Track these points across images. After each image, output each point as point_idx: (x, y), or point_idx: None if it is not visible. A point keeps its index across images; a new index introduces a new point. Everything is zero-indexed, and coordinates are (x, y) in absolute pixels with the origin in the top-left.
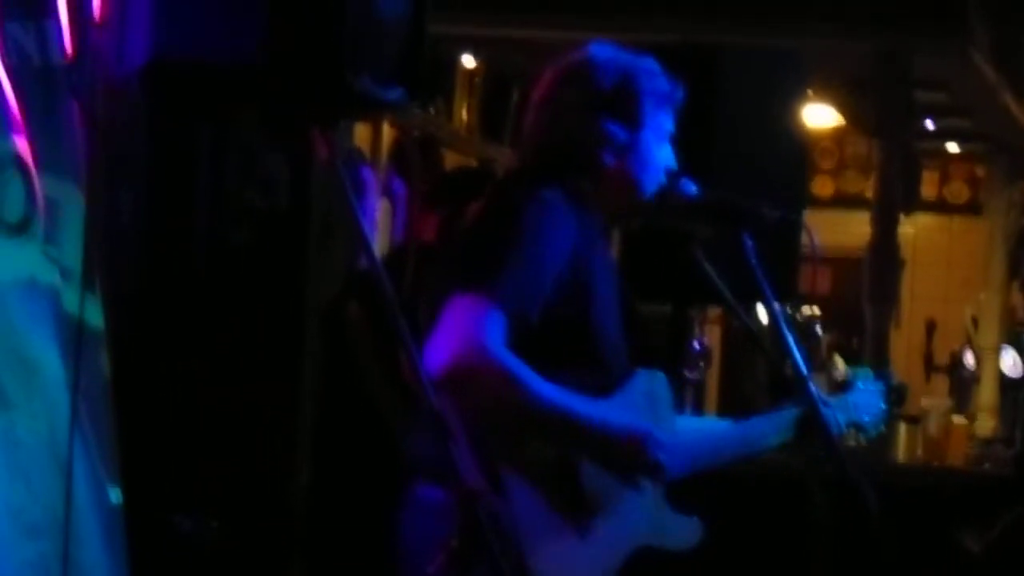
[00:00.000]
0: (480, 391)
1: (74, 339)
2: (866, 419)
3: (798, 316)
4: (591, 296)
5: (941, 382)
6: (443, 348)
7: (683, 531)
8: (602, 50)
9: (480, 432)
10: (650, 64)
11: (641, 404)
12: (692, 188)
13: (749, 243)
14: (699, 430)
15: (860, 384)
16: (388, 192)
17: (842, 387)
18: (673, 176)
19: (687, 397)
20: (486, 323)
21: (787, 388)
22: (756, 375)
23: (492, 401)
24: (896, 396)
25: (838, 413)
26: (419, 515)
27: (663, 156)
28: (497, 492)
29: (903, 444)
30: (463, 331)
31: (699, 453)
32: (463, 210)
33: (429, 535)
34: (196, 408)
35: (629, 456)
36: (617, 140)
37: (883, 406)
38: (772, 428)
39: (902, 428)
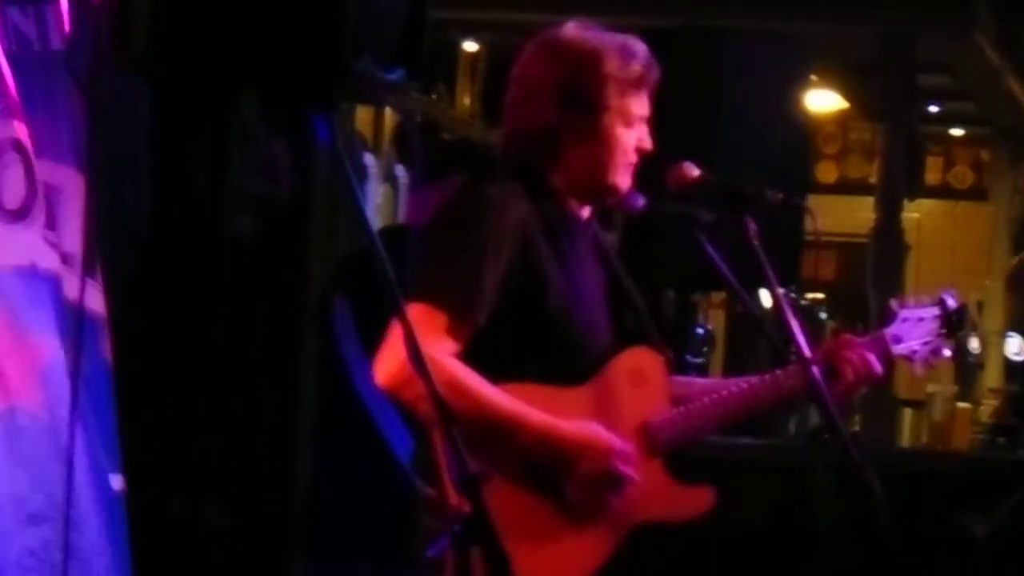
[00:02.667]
0: (421, 399)
1: (74, 325)
2: (916, 350)
3: (802, 301)
4: (546, 285)
5: (946, 367)
6: (388, 357)
7: (689, 502)
8: (571, 29)
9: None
10: (625, 45)
11: (624, 383)
12: (695, 172)
13: (752, 227)
14: (704, 393)
15: (903, 312)
16: (390, 177)
17: (883, 320)
18: (674, 159)
19: None
20: (427, 331)
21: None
22: (759, 360)
23: (431, 410)
24: (957, 319)
25: (869, 351)
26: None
27: (631, 139)
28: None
29: (908, 429)
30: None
31: (706, 417)
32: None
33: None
34: (197, 393)
35: (587, 465)
36: (575, 124)
37: (939, 331)
38: (776, 386)
39: (907, 413)
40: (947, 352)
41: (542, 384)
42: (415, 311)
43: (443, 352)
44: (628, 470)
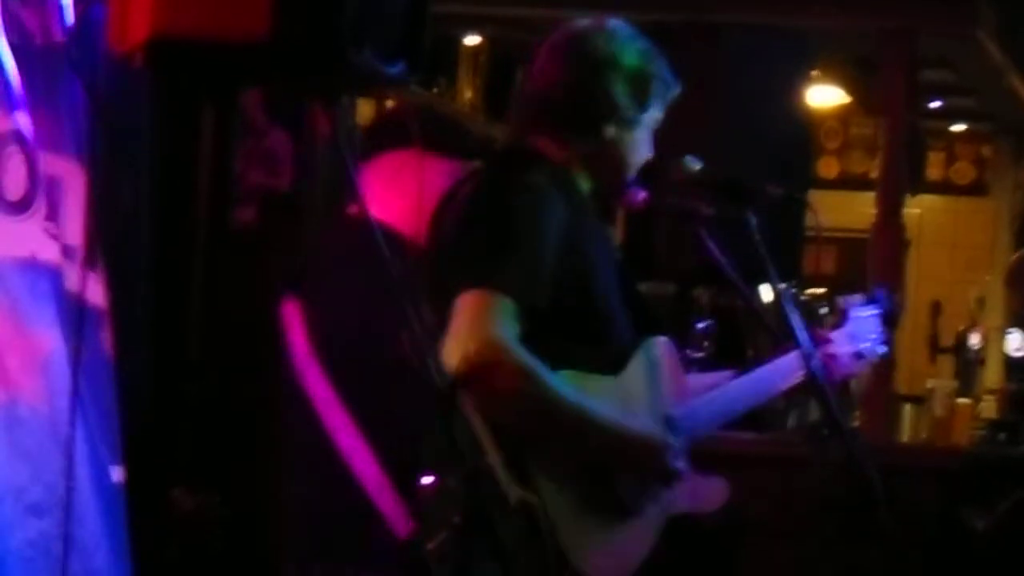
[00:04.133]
0: (497, 388)
1: (75, 317)
2: (864, 346)
3: (802, 296)
4: (591, 274)
5: (946, 363)
6: (458, 345)
7: (708, 494)
8: (625, 26)
9: (504, 429)
10: (643, 52)
11: (650, 374)
12: (696, 166)
13: (753, 222)
14: (710, 388)
15: (852, 312)
16: None
17: (838, 322)
18: (675, 154)
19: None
20: (498, 317)
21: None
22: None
23: (510, 398)
24: (893, 316)
25: (841, 348)
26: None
27: (647, 144)
28: (527, 487)
29: (908, 425)
30: (476, 327)
31: (715, 412)
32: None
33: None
34: (197, 385)
35: (644, 460)
36: (625, 113)
37: (881, 329)
38: (779, 373)
39: (907, 408)
40: (885, 350)
41: (584, 373)
42: (478, 297)
43: (510, 338)
44: (681, 464)
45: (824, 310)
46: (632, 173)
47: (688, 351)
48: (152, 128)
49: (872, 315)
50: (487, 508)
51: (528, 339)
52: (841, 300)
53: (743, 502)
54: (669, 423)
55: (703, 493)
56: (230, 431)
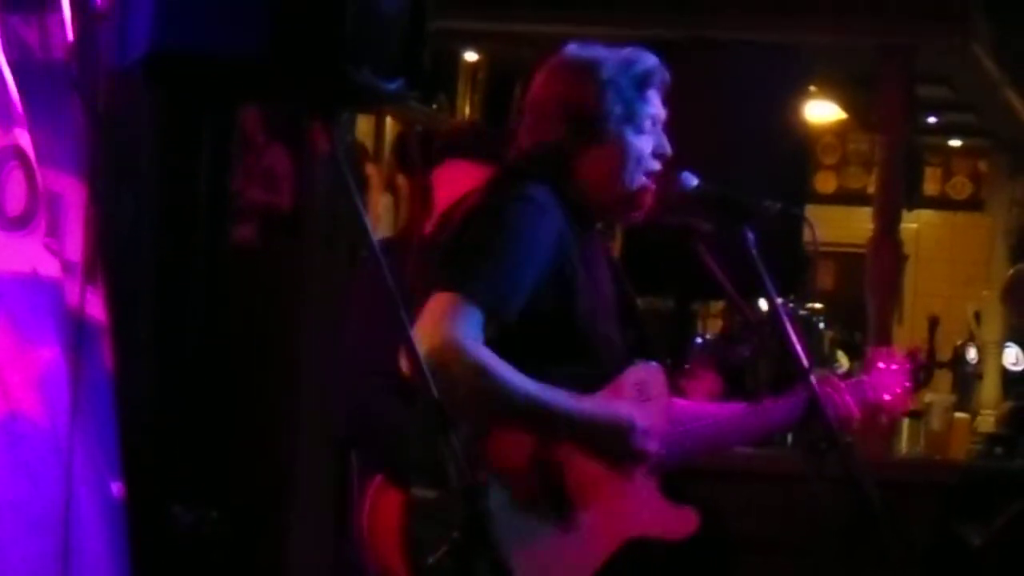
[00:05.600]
0: (453, 384)
1: (75, 332)
2: (886, 398)
3: (800, 311)
4: (577, 292)
5: (944, 378)
6: (418, 342)
7: (677, 522)
8: (571, 48)
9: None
10: (625, 52)
11: (632, 396)
12: (694, 182)
13: (751, 237)
14: (700, 417)
15: (880, 364)
16: (391, 187)
17: (863, 368)
18: (675, 169)
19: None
20: (460, 319)
21: (789, 383)
22: (757, 370)
23: (466, 394)
24: (925, 372)
25: (849, 396)
26: (414, 518)
27: (644, 144)
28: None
29: (905, 439)
30: (437, 326)
31: (699, 440)
32: (459, 203)
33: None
34: (197, 400)
35: (611, 442)
36: (584, 136)
37: (906, 384)
38: (778, 413)
39: (904, 423)
40: (910, 405)
41: (559, 388)
42: (446, 299)
43: (467, 337)
44: (651, 446)
45: (821, 324)
46: (634, 177)
47: (687, 366)
48: (152, 144)
49: (901, 369)
50: (485, 523)
51: (504, 353)
52: (869, 350)
53: (740, 517)
54: None
55: (672, 520)
56: (230, 448)
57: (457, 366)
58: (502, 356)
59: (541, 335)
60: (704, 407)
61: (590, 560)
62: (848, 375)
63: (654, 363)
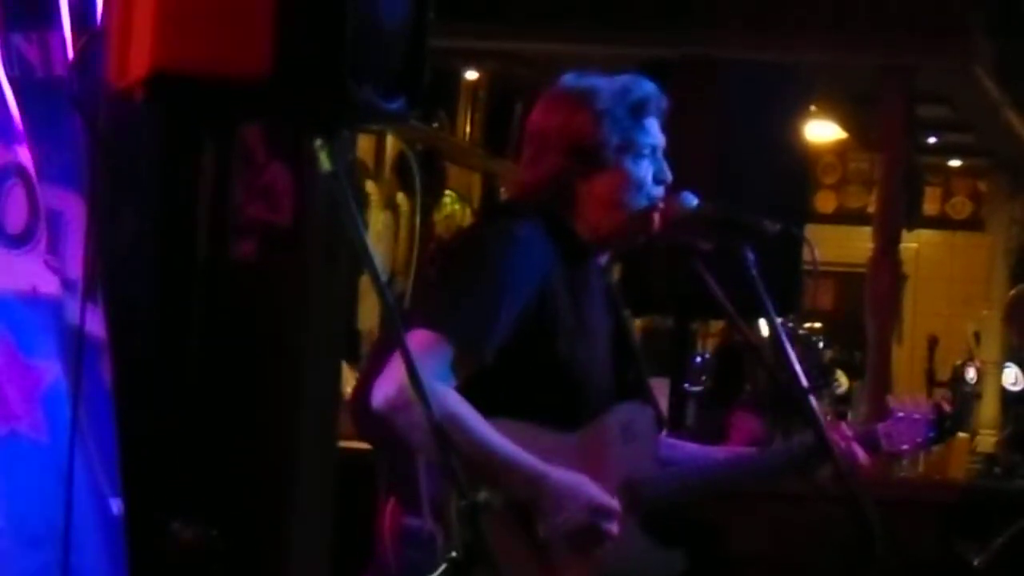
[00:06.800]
0: (415, 427)
1: (75, 349)
2: (904, 448)
3: (799, 330)
4: (559, 331)
5: (943, 397)
6: (388, 381)
7: (661, 564)
8: (567, 78)
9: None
10: (622, 80)
11: (615, 436)
12: (694, 202)
13: (750, 257)
14: (695, 458)
15: (900, 412)
16: (391, 205)
17: (882, 414)
18: (674, 188)
19: (689, 410)
20: (431, 358)
21: (787, 402)
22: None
23: (423, 439)
24: (951, 423)
25: (857, 444)
26: (408, 547)
27: (643, 171)
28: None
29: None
30: (403, 371)
31: (684, 485)
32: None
33: (418, 565)
34: (197, 417)
35: (563, 512)
36: (583, 167)
37: (928, 434)
38: (776, 460)
39: None
40: (909, 450)
41: (536, 425)
42: (422, 337)
43: (441, 384)
44: (610, 527)
45: (821, 344)
46: (632, 208)
47: (686, 385)
48: (152, 161)
49: (923, 418)
50: (485, 543)
51: (481, 392)
52: (891, 399)
53: (741, 536)
54: (628, 487)
55: (653, 562)
56: (230, 464)
57: (418, 409)
58: (478, 393)
59: (519, 373)
60: (700, 449)
61: None
62: (848, 395)
63: (640, 403)
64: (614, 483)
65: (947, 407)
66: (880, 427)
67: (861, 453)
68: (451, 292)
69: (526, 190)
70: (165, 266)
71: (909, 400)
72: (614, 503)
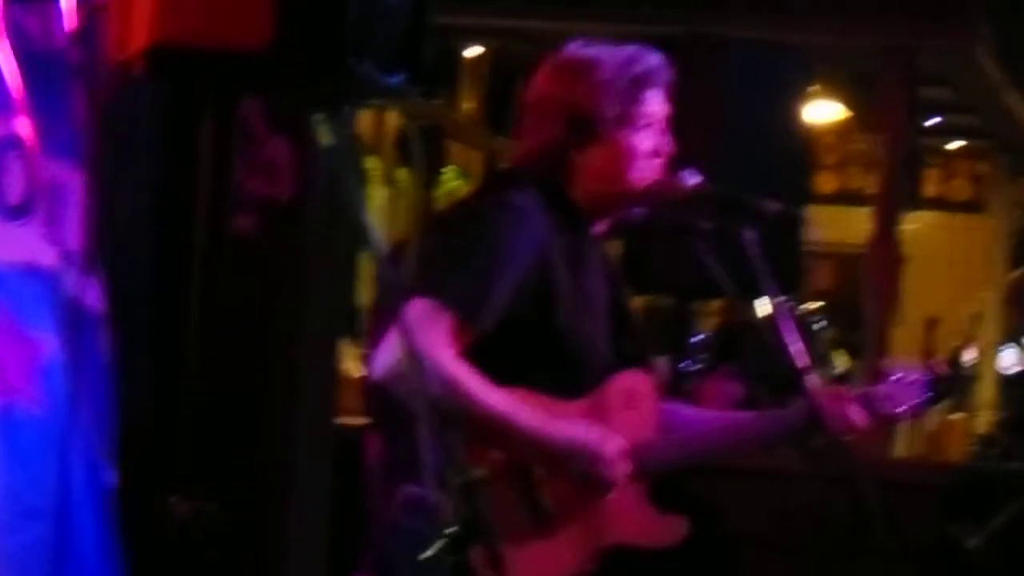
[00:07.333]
0: (416, 396)
1: (73, 322)
2: (902, 409)
3: (799, 311)
4: (558, 299)
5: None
6: (389, 349)
7: (664, 530)
8: (571, 47)
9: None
10: (626, 51)
11: (616, 404)
12: (695, 180)
13: (750, 236)
14: (695, 424)
15: (896, 375)
16: (391, 181)
17: (879, 378)
18: (675, 167)
19: (687, 389)
20: (432, 327)
21: (787, 382)
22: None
23: (427, 405)
24: (948, 386)
25: (855, 407)
26: (409, 516)
27: (643, 142)
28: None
29: (903, 440)
30: (408, 333)
31: (693, 448)
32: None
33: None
34: (195, 391)
35: (573, 468)
36: (581, 136)
37: (923, 397)
38: (778, 422)
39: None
40: (926, 415)
41: (537, 393)
42: (423, 306)
43: (442, 351)
44: (614, 474)
45: (820, 324)
46: (634, 176)
47: (686, 363)
48: (152, 135)
49: (919, 380)
50: (483, 518)
51: (482, 361)
52: (888, 363)
53: (738, 515)
54: (632, 454)
55: (656, 529)
56: (228, 440)
57: (421, 376)
58: (480, 364)
59: (520, 343)
60: (700, 414)
61: (564, 569)
62: (847, 376)
63: (641, 371)
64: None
65: (944, 369)
66: (878, 389)
67: (859, 416)
68: (450, 262)
69: (524, 159)
70: (164, 240)
71: (904, 364)
72: (617, 450)
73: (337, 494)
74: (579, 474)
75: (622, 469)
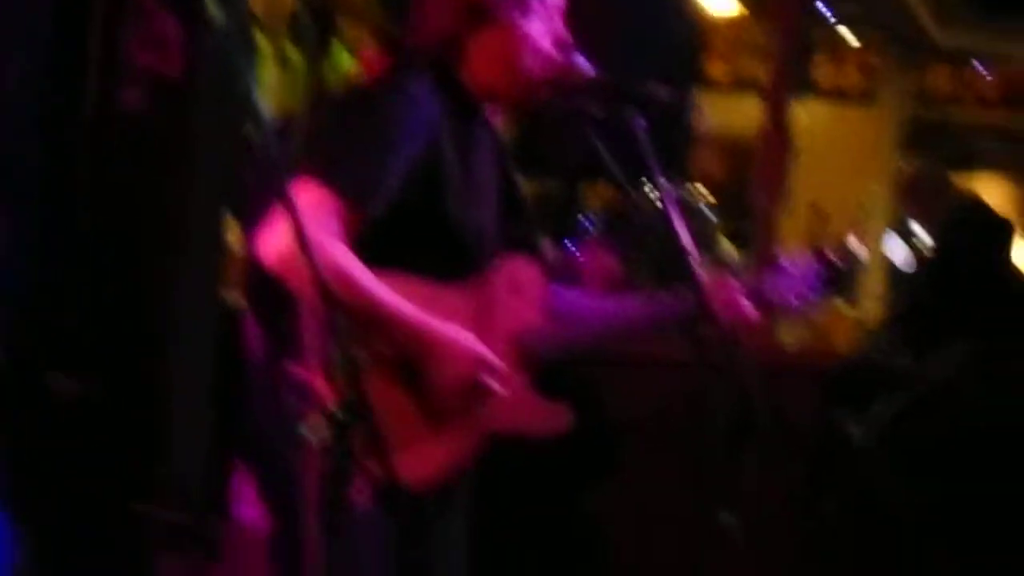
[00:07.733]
0: (308, 283)
1: None
2: (793, 300)
3: (687, 198)
4: (447, 185)
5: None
6: (278, 234)
7: (546, 419)
8: None
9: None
10: None
11: (503, 290)
12: (586, 67)
13: (641, 123)
14: (582, 310)
15: (786, 265)
16: (282, 60)
17: (768, 267)
18: (566, 54)
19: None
20: (324, 217)
21: (674, 268)
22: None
23: (312, 292)
24: (837, 276)
25: (745, 298)
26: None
27: (535, 28)
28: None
29: (789, 330)
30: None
31: (580, 334)
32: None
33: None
34: (79, 266)
35: (449, 367)
36: (472, 23)
37: (812, 286)
38: (666, 308)
39: None
40: (818, 305)
41: (424, 278)
42: (311, 191)
43: (334, 242)
44: (493, 382)
45: (708, 210)
46: (526, 63)
47: (573, 247)
48: (42, 9)
49: (810, 271)
50: (365, 403)
51: (370, 247)
52: (779, 253)
53: (620, 403)
54: (517, 342)
55: (541, 418)
56: (112, 314)
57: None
58: (365, 247)
59: (407, 227)
60: (588, 299)
61: (448, 454)
62: (735, 263)
63: (527, 257)
64: (503, 337)
65: (832, 259)
66: (768, 281)
67: (750, 308)
68: (340, 146)
69: (417, 43)
70: (52, 111)
71: (794, 253)
72: (496, 359)
73: (223, 365)
74: (458, 378)
75: (497, 377)
